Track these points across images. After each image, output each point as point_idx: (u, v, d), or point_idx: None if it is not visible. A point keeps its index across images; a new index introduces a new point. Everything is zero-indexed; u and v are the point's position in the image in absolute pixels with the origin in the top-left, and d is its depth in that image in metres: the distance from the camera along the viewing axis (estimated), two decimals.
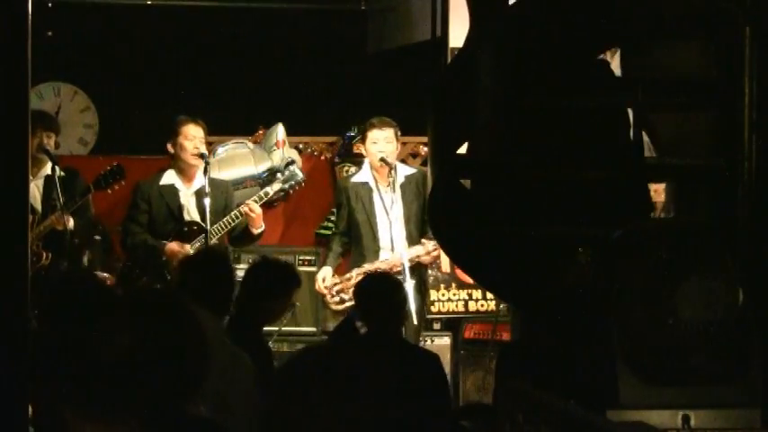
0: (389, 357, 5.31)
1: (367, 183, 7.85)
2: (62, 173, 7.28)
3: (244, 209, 7.55)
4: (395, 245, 7.71)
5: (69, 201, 7.26)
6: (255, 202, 7.63)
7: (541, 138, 4.72)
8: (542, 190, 4.75)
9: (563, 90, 4.59)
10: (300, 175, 7.92)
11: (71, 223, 7.30)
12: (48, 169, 7.36)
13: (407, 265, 7.43)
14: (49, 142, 7.44)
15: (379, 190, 7.81)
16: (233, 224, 7.54)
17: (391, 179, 7.68)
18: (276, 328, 7.76)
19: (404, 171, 7.86)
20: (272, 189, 7.79)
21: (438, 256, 7.83)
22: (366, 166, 7.96)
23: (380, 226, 7.77)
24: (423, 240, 7.69)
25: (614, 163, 4.73)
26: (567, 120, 4.76)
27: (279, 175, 8.10)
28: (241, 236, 7.71)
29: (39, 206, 7.35)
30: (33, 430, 4.03)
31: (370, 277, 6.52)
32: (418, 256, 7.65)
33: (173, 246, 7.47)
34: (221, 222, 7.48)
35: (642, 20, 4.61)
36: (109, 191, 7.50)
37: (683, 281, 3.73)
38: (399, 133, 7.87)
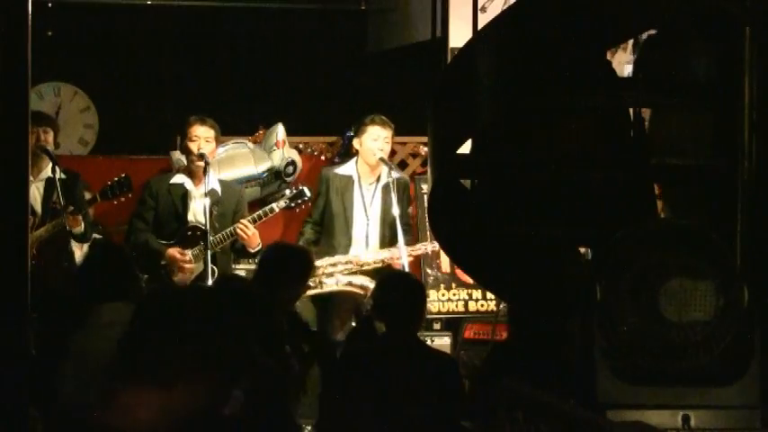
0: (407, 359, 5.27)
1: (351, 176, 7.81)
2: (63, 175, 7.24)
3: (237, 229, 7.44)
4: (369, 243, 7.71)
5: (74, 204, 7.23)
6: (254, 221, 7.50)
7: (541, 138, 4.72)
8: (543, 190, 4.75)
9: (564, 90, 4.59)
10: (308, 194, 7.79)
11: (82, 226, 7.30)
12: (48, 171, 7.32)
13: (407, 262, 7.43)
14: (47, 138, 7.39)
15: (361, 186, 7.80)
16: (230, 239, 7.47)
17: (390, 179, 7.68)
18: None
19: (386, 173, 7.82)
20: (278, 206, 7.65)
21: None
22: (353, 160, 7.91)
23: (356, 221, 7.76)
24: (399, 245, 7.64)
25: (615, 163, 4.73)
26: (568, 120, 4.76)
27: (287, 191, 7.99)
28: (240, 250, 7.66)
29: (39, 208, 7.31)
30: None
31: (392, 277, 6.46)
32: (392, 259, 7.62)
33: (173, 252, 7.45)
34: (222, 233, 7.41)
35: (643, 20, 4.61)
36: (114, 202, 7.49)
37: (684, 281, 3.73)
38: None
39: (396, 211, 7.54)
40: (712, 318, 3.72)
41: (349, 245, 7.74)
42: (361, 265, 7.63)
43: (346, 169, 7.89)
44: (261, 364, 4.81)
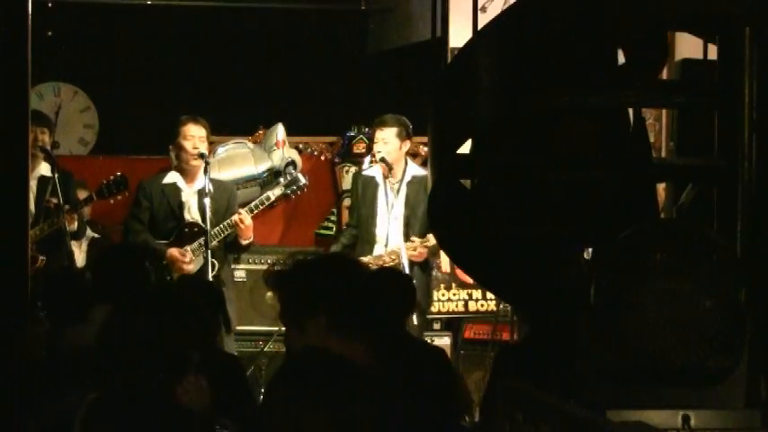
0: (397, 352, 5.29)
1: (374, 177, 7.88)
2: (53, 174, 7.24)
3: (235, 218, 7.47)
4: (390, 241, 7.73)
5: (68, 202, 7.23)
6: (251, 210, 7.51)
7: (542, 137, 4.72)
8: (543, 190, 4.75)
9: (563, 89, 4.58)
10: (303, 180, 7.81)
11: (76, 224, 7.31)
12: (42, 170, 7.34)
13: (406, 263, 7.44)
14: (44, 138, 7.41)
15: (385, 186, 7.83)
16: (228, 231, 7.48)
17: (395, 178, 7.70)
18: (276, 329, 7.76)
19: (413, 171, 7.85)
20: (274, 194, 7.69)
21: (423, 255, 7.77)
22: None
23: (380, 220, 7.80)
24: (412, 238, 7.66)
25: (615, 163, 4.72)
26: (569, 119, 4.76)
27: (281, 179, 8.03)
28: (231, 244, 7.65)
29: (32, 207, 7.31)
30: None
31: (380, 272, 6.49)
32: (396, 253, 7.64)
33: (173, 252, 7.46)
34: (221, 226, 7.44)
35: (642, 19, 4.61)
36: (111, 201, 7.49)
37: (683, 281, 3.73)
38: (406, 131, 7.84)
39: (400, 209, 7.59)
40: (706, 318, 3.72)
41: (373, 243, 7.78)
42: (380, 263, 7.63)
43: (372, 170, 7.96)
44: None
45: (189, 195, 7.57)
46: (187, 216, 7.55)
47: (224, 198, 7.63)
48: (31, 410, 4.51)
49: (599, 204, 4.67)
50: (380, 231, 7.80)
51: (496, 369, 5.17)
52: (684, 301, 3.73)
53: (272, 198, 7.64)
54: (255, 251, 8.04)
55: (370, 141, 8.12)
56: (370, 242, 7.80)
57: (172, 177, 7.67)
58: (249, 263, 8.16)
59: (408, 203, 7.69)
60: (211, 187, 7.52)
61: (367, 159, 8.07)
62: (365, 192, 7.87)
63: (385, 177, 7.77)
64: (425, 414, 5.01)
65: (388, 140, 7.79)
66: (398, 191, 7.79)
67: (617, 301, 3.77)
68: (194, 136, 7.54)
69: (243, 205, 7.70)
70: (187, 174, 7.61)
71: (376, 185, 7.86)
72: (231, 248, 7.72)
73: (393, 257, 7.67)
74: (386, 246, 7.77)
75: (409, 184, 7.76)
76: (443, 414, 5.33)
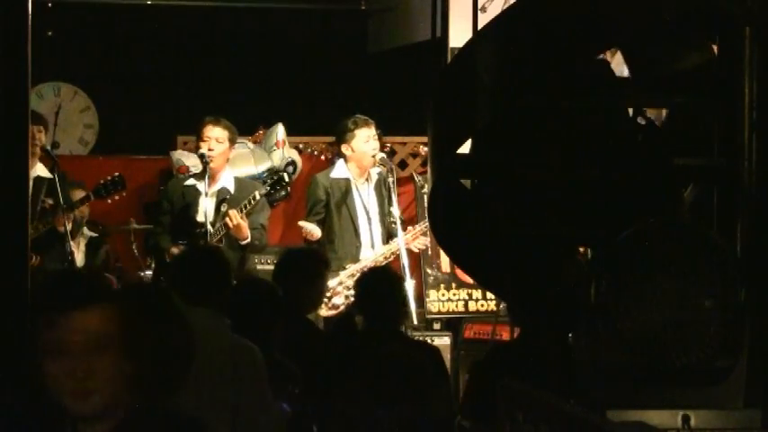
0: (388, 352, 5.30)
1: (348, 179, 7.76)
2: (50, 174, 7.23)
3: (225, 220, 7.42)
4: (374, 242, 7.71)
5: (65, 202, 7.23)
6: (240, 210, 7.44)
7: (542, 137, 4.72)
8: (544, 190, 4.75)
9: (563, 90, 4.58)
10: (287, 179, 7.61)
11: (69, 225, 7.30)
12: (37, 170, 7.33)
13: (407, 262, 7.44)
14: (40, 137, 7.41)
15: (357, 187, 7.78)
16: (223, 231, 7.44)
17: (392, 178, 7.69)
18: None
19: (375, 170, 7.84)
20: (260, 193, 7.45)
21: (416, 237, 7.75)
22: (341, 162, 7.85)
23: (361, 222, 7.75)
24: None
25: (616, 163, 4.72)
26: (569, 119, 4.76)
27: (267, 180, 7.98)
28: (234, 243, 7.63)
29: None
30: None
31: (371, 272, 6.49)
32: (398, 251, 7.60)
33: (173, 249, 7.47)
34: (217, 226, 7.40)
35: (642, 19, 4.61)
36: (108, 200, 7.49)
37: (684, 281, 3.73)
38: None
39: (394, 207, 7.58)
40: (706, 318, 3.72)
41: (359, 246, 7.71)
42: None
43: (341, 172, 7.81)
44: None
45: (207, 197, 7.52)
46: (201, 218, 7.52)
47: (244, 197, 7.55)
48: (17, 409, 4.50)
49: (601, 204, 4.67)
50: (364, 233, 7.74)
51: (486, 366, 5.17)
52: (684, 301, 3.74)
53: (258, 197, 7.51)
54: (245, 244, 8.01)
55: (343, 142, 7.87)
56: (355, 245, 7.71)
57: (193, 180, 7.67)
58: (266, 263, 8.16)
59: (377, 204, 7.69)
60: (231, 186, 7.51)
61: (341, 162, 7.91)
62: (340, 195, 7.73)
63: (362, 181, 7.73)
64: (416, 410, 5.02)
65: (376, 137, 7.77)
66: (369, 191, 7.76)
67: (617, 301, 3.77)
68: (210, 137, 7.50)
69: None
70: (208, 175, 7.55)
71: (349, 187, 7.76)
72: (244, 249, 7.66)
73: (388, 257, 7.65)
74: (372, 247, 7.71)
75: (377, 183, 7.74)
76: (434, 410, 5.33)
